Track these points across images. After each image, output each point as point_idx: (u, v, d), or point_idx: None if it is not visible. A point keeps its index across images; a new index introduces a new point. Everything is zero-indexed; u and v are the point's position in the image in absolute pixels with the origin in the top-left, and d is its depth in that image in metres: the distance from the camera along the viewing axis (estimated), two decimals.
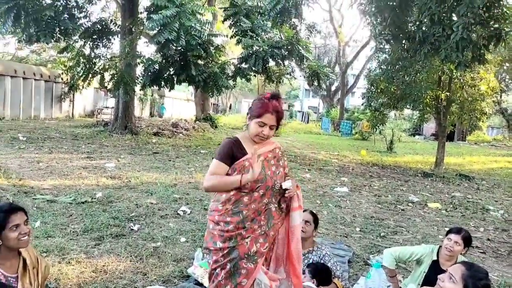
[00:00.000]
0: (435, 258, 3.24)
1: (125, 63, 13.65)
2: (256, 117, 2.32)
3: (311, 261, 3.15)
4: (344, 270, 4.11)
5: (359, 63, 36.49)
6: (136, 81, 14.08)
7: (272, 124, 2.33)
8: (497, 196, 9.37)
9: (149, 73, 13.70)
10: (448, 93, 11.92)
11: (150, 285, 3.33)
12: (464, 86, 11.98)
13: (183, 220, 5.30)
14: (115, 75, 13.30)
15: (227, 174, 2.33)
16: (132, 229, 4.72)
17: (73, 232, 4.44)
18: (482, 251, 5.25)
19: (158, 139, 14.57)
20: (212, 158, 2.52)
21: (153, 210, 5.63)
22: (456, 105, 12.63)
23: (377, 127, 14.30)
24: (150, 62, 13.71)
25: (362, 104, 15.13)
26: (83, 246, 4.07)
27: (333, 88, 39.33)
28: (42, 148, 10.49)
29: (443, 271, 3.07)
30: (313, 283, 2.95)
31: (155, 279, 3.46)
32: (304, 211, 3.29)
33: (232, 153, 2.34)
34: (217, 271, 2.34)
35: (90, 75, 14.08)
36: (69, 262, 3.62)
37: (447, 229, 5.60)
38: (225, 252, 2.30)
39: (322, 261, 3.14)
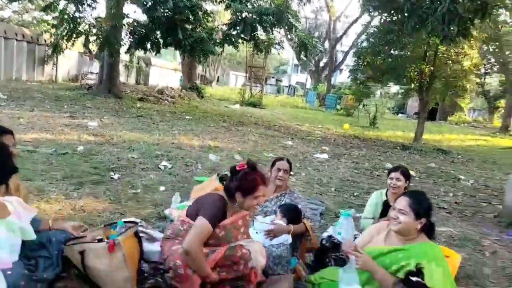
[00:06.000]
0: (384, 198, 3.51)
1: (111, 24, 13.32)
2: (251, 193, 2.38)
3: (283, 202, 3.31)
4: (316, 221, 4.32)
5: (348, 40, 36.36)
6: (122, 43, 13.80)
7: (264, 193, 2.43)
8: (470, 168, 9.74)
9: (135, 36, 13.44)
10: (432, 68, 12.10)
11: None
12: (448, 62, 12.16)
13: (163, 173, 5.41)
14: (100, 36, 13.00)
15: None
16: (112, 178, 4.82)
17: (52, 177, 4.51)
18: (448, 211, 5.53)
19: (143, 104, 14.46)
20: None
21: (134, 163, 5.71)
22: (439, 81, 12.85)
23: (361, 100, 14.46)
24: (136, 24, 13.41)
25: (348, 77, 15.25)
26: (62, 189, 4.16)
27: (321, 64, 39.22)
28: (23, 106, 10.33)
29: None
30: (284, 221, 3.11)
31: (133, 217, 3.58)
32: (281, 159, 3.44)
33: (220, 218, 2.36)
34: None
35: (74, 36, 13.72)
36: (47, 201, 3.72)
37: None
38: None
39: (294, 203, 3.31)
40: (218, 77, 48.69)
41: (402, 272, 2.13)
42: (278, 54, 19.44)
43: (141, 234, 2.82)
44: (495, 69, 27.35)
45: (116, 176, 4.87)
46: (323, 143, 11.06)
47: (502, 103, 29.86)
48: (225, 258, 2.34)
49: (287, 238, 3.01)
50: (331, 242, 3.30)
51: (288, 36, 14.95)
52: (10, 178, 1.38)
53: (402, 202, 2.28)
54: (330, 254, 3.17)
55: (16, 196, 2.43)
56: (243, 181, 2.40)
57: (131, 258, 2.48)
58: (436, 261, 2.17)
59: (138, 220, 3.08)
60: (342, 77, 44.58)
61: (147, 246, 2.81)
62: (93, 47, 14.28)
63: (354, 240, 3.58)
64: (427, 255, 2.17)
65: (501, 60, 24.41)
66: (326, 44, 35.59)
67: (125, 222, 2.72)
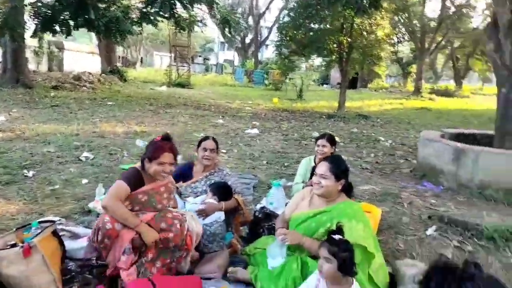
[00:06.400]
0: (313, 164, 3.70)
1: (10, 6, 11.83)
2: (155, 159, 2.46)
3: (213, 181, 3.28)
4: (249, 194, 4.39)
5: (272, 15, 36.65)
6: (25, 26, 12.39)
7: (171, 162, 2.52)
8: (388, 130, 10.55)
9: (40, 17, 12.13)
10: (349, 39, 12.68)
11: None
12: (364, 33, 12.83)
13: (84, 165, 5.05)
14: None
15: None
16: (26, 176, 4.38)
17: None
18: (370, 171, 5.94)
19: (58, 93, 13.27)
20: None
21: (51, 157, 5.26)
22: (357, 52, 13.54)
23: (287, 74, 14.78)
24: (40, 4, 12.08)
25: (273, 53, 15.44)
26: None
27: (247, 40, 39.20)
28: None
29: None
30: (215, 199, 3.10)
31: (53, 216, 3.31)
32: (206, 138, 3.38)
33: (135, 181, 2.46)
34: None
35: None
36: None
37: (343, 156, 6.26)
38: None
39: (223, 181, 3.29)
40: (142, 58, 46.39)
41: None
42: (202, 32, 18.97)
43: (61, 233, 2.62)
44: (406, 38, 29.58)
45: (30, 174, 4.44)
46: (253, 119, 11.16)
47: (413, 68, 32.54)
48: (158, 220, 2.42)
49: (219, 215, 3.00)
50: (264, 212, 3.37)
51: (211, 13, 14.54)
52: None
53: (323, 168, 2.38)
54: (263, 224, 3.25)
55: None
56: (150, 147, 2.57)
57: (52, 259, 2.31)
58: (355, 218, 2.31)
59: (56, 219, 2.85)
60: (268, 53, 45.06)
61: (70, 244, 2.63)
62: None
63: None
64: (347, 214, 2.31)
65: (410, 29, 26.45)
66: (250, 20, 35.57)
67: (39, 222, 2.50)
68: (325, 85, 33.86)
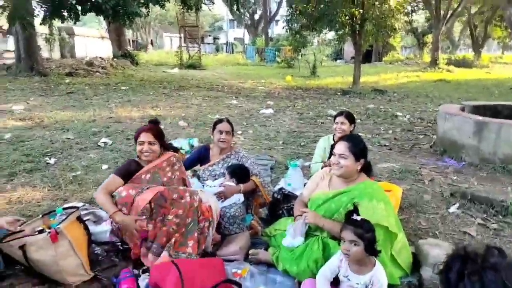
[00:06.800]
0: (332, 142, 3.65)
1: None
2: (136, 140, 2.75)
3: (230, 163, 3.29)
4: (267, 175, 4.40)
5: None
6: (34, 14, 12.42)
7: (150, 140, 2.69)
8: (406, 104, 10.34)
9: (48, 4, 12.11)
10: (362, 10, 12.30)
11: None
12: (376, 3, 12.42)
13: (104, 151, 5.14)
14: (6, 9, 11.57)
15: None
16: (48, 163, 4.49)
17: None
18: (389, 148, 5.87)
19: (72, 79, 13.39)
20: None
21: (71, 144, 5.35)
22: (370, 23, 13.15)
23: (299, 50, 14.51)
24: None
25: (283, 28, 15.13)
26: None
27: (256, 16, 38.50)
28: None
29: None
30: (233, 182, 3.11)
31: (76, 202, 3.39)
32: (221, 121, 3.36)
33: (125, 171, 2.68)
34: None
35: None
36: None
37: (361, 134, 6.18)
38: None
39: (240, 163, 3.30)
40: (152, 40, 46.22)
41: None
42: (210, 10, 18.66)
43: (85, 218, 2.69)
44: (420, 6, 28.49)
45: (52, 161, 4.54)
46: (267, 98, 11.08)
47: (429, 38, 31.46)
48: (171, 190, 2.52)
49: (238, 198, 3.02)
50: (282, 194, 3.37)
51: None
52: None
53: (341, 147, 2.34)
54: (282, 205, 3.26)
55: None
56: (135, 132, 2.83)
57: (79, 243, 2.38)
58: (376, 197, 2.29)
59: (79, 204, 2.92)
60: (278, 29, 44.26)
61: (95, 228, 2.70)
62: (2, 22, 12.73)
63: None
64: (367, 194, 2.28)
65: None
66: None
67: (64, 208, 2.56)
68: (338, 60, 33.19)
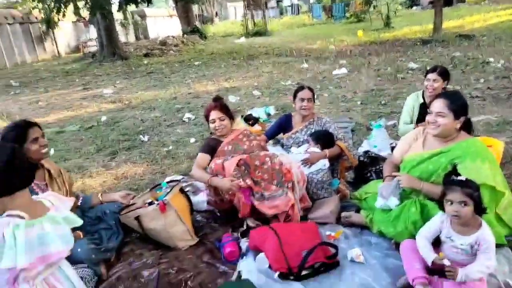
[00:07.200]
0: (421, 101, 3.41)
1: None
2: (207, 118, 2.92)
3: (313, 130, 3.29)
4: (349, 138, 4.31)
5: None
6: (111, 2, 13.25)
7: (219, 117, 2.84)
8: (498, 48, 9.21)
9: None
10: None
11: None
12: None
13: (189, 126, 5.46)
14: (88, 0, 12.49)
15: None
16: (142, 141, 4.91)
17: (87, 152, 4.65)
18: (482, 99, 5.35)
19: (149, 60, 14.22)
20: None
21: (159, 121, 5.77)
22: None
23: (370, 2, 13.53)
24: None
25: None
26: (99, 162, 4.30)
27: None
28: (37, 89, 10.42)
29: None
30: (318, 148, 3.12)
31: (173, 174, 3.69)
32: (302, 89, 3.33)
33: (209, 147, 2.88)
34: None
35: (62, 6, 13.24)
36: (90, 176, 3.87)
37: (448, 86, 5.69)
38: None
39: (323, 128, 3.28)
40: (216, 12, 46.58)
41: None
42: None
43: (186, 189, 2.92)
44: None
45: (145, 138, 4.97)
46: (339, 58, 10.66)
47: None
48: (252, 157, 2.67)
49: (324, 163, 3.03)
50: (369, 156, 3.31)
51: None
52: (33, 179, 1.47)
53: (439, 104, 2.19)
54: (370, 168, 3.20)
55: (60, 179, 2.55)
56: (204, 112, 2.97)
57: (183, 212, 2.61)
58: (480, 157, 2.13)
59: (179, 177, 3.18)
60: None
61: (194, 198, 2.93)
62: (84, 13, 13.80)
63: (390, 149, 3.60)
64: (470, 153, 2.13)
65: None
66: None
67: (167, 182, 2.81)
68: (414, 7, 30.28)
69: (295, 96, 3.32)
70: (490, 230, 1.85)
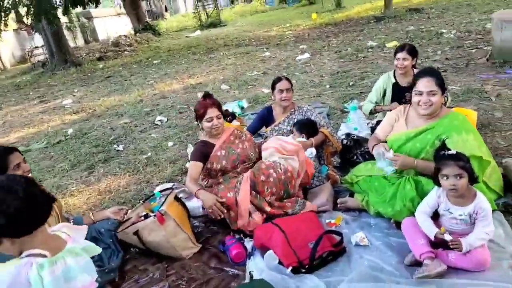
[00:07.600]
0: (393, 80, 3.53)
1: None
2: (203, 117, 2.74)
3: (295, 120, 3.32)
4: (328, 123, 4.38)
5: None
6: (56, 6, 12.53)
7: (216, 115, 2.73)
8: (447, 19, 9.63)
9: None
10: None
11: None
12: None
13: (163, 129, 5.34)
14: (31, 6, 11.74)
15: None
16: (118, 150, 4.76)
17: (62, 170, 4.44)
18: (443, 70, 5.59)
19: (105, 63, 13.65)
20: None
21: (130, 128, 5.60)
22: None
23: None
24: None
25: None
26: (77, 178, 4.13)
27: None
28: None
29: (405, 89, 3.36)
30: (303, 137, 3.16)
31: (159, 182, 3.62)
32: (279, 80, 3.34)
33: (201, 152, 2.77)
34: None
35: (2, 14, 12.36)
36: (72, 195, 3.71)
37: None
38: None
39: (305, 117, 3.32)
40: (166, 6, 45.30)
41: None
42: None
43: (179, 195, 2.88)
44: None
45: (120, 147, 4.81)
46: (299, 43, 10.73)
47: None
48: (256, 174, 2.59)
49: (311, 151, 3.07)
50: (352, 139, 3.39)
51: None
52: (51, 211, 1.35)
53: (429, 84, 2.25)
54: (355, 151, 3.29)
55: (60, 222, 2.42)
56: (196, 109, 2.81)
57: (182, 220, 2.58)
58: (464, 129, 2.25)
59: (169, 185, 3.12)
60: None
61: (189, 204, 2.88)
62: (28, 20, 12.97)
63: (370, 130, 3.71)
64: (455, 127, 2.24)
65: None
66: None
67: (160, 191, 2.75)
68: None
69: (273, 88, 3.33)
70: (485, 198, 1.96)
